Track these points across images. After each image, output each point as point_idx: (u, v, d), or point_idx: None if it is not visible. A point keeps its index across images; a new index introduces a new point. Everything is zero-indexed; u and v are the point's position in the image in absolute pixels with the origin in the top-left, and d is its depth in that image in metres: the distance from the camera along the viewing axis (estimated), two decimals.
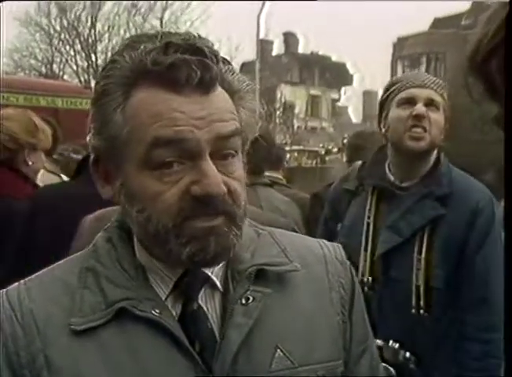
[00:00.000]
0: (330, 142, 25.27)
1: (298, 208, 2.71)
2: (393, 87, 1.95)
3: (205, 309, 0.86)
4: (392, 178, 1.98)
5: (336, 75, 41.09)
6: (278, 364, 0.85)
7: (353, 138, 3.59)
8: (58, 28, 25.60)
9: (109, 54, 25.12)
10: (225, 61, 0.84)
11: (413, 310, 1.85)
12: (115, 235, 0.90)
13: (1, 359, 0.82)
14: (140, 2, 25.15)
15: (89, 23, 25.45)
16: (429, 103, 1.90)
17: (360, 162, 2.21)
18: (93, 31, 25.50)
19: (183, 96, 0.79)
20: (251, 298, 0.86)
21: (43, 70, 25.51)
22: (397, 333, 1.84)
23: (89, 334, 0.81)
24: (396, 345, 1.83)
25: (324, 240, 1.02)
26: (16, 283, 0.89)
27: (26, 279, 0.90)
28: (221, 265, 0.88)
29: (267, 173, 3.04)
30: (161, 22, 25.68)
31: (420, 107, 1.87)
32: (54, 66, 25.96)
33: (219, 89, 0.82)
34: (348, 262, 0.99)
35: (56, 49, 25.90)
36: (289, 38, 42.37)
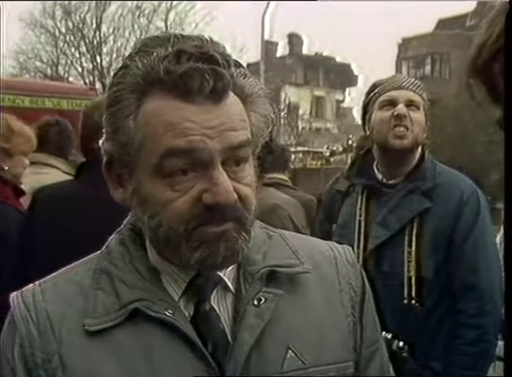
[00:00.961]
0: (335, 143, 25.26)
1: (304, 210, 2.73)
2: (375, 90, 2.07)
3: (217, 310, 0.87)
4: (380, 177, 2.08)
5: (341, 76, 41.01)
6: (289, 365, 0.85)
7: (361, 140, 3.61)
8: (63, 30, 25.67)
9: (114, 56, 25.23)
10: (237, 64, 0.84)
11: (405, 301, 1.93)
12: (127, 237, 0.91)
13: (16, 359, 0.84)
14: (145, 4, 25.19)
15: (94, 25, 25.51)
16: (410, 103, 2.00)
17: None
18: (98, 32, 25.56)
19: (195, 105, 0.79)
20: (263, 299, 0.87)
21: (48, 72, 25.57)
22: (391, 324, 1.88)
23: (103, 335, 0.83)
24: (389, 336, 1.87)
25: (334, 243, 1.03)
26: (31, 285, 0.91)
27: (40, 280, 0.91)
28: (232, 266, 0.89)
29: (273, 175, 3.05)
30: (166, 24, 25.71)
31: (401, 108, 1.98)
32: (59, 68, 26.02)
33: (231, 96, 0.83)
34: (358, 265, 1.00)
35: (61, 50, 25.96)
36: (293, 39, 42.30)
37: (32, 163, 2.98)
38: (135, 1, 25.13)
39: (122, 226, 0.94)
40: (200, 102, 0.79)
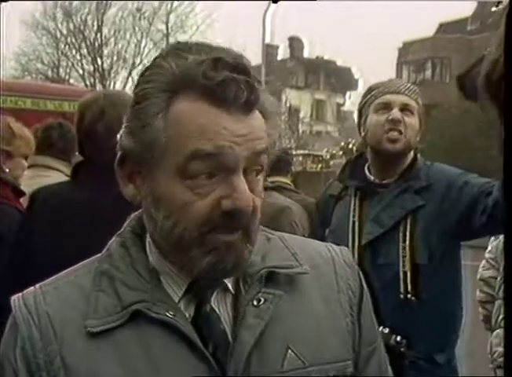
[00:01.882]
0: (335, 147, 25.27)
1: (306, 213, 2.73)
2: (370, 94, 2.10)
3: (217, 311, 0.88)
4: (372, 178, 2.12)
5: (341, 79, 41.04)
6: (289, 364, 0.86)
7: (361, 144, 3.62)
8: (65, 32, 25.76)
9: (115, 58, 25.34)
10: (259, 82, 0.86)
11: (401, 295, 1.95)
12: (128, 239, 0.92)
13: (18, 361, 0.84)
14: (145, 6, 25.25)
15: (95, 27, 25.59)
16: (404, 108, 2.04)
17: None
18: (99, 34, 25.63)
19: (228, 113, 0.81)
20: (263, 300, 0.88)
21: (49, 74, 25.63)
22: (388, 318, 1.89)
23: (104, 336, 0.84)
24: (387, 331, 1.89)
25: (332, 244, 1.04)
26: (32, 288, 0.91)
27: (41, 283, 0.92)
28: None
29: (276, 178, 3.06)
30: (167, 26, 25.78)
31: (396, 112, 2.01)
32: (60, 70, 26.11)
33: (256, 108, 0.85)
34: (356, 266, 1.01)
35: (62, 52, 26.05)
36: (294, 43, 42.36)
37: (35, 166, 3.00)
38: (135, 4, 25.21)
39: (122, 229, 0.95)
40: (233, 111, 0.82)
